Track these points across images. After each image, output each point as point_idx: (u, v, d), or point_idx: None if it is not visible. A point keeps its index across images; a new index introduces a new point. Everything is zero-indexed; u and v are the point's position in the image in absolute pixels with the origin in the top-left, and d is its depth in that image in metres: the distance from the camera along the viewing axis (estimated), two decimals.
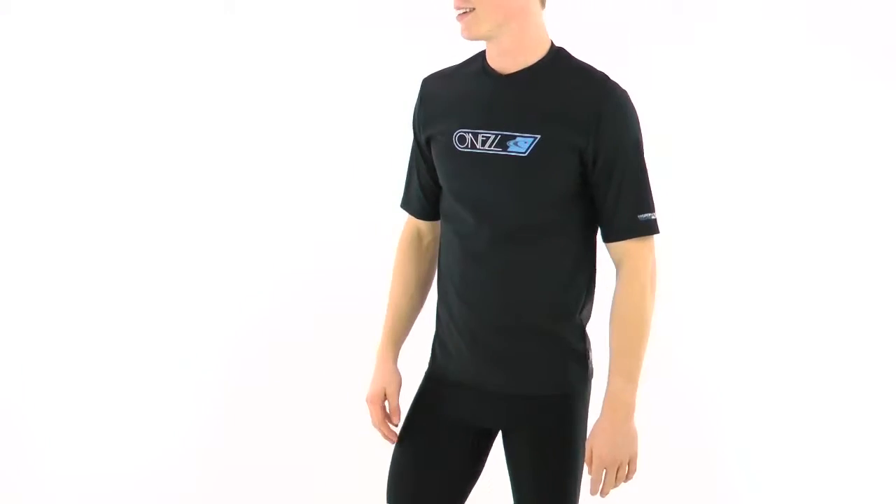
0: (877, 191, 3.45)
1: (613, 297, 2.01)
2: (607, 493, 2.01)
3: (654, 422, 3.44)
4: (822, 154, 3.45)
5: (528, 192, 1.98)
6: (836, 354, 3.46)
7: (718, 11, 3.43)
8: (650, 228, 1.99)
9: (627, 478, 2.02)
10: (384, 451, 2.21)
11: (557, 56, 2.01)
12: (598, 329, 2.10)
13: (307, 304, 3.43)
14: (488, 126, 1.97)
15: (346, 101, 3.40)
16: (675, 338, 3.46)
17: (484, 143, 1.97)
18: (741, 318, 3.47)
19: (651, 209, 1.99)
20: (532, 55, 1.98)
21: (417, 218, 2.20)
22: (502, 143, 1.96)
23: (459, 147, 1.99)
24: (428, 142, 2.09)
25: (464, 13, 1.94)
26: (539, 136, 1.94)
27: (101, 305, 3.43)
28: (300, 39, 3.39)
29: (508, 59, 1.98)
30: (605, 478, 1.99)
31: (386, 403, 2.19)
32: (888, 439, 3.45)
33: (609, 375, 2.01)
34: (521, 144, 1.95)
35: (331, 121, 3.43)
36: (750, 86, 3.43)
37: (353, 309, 3.29)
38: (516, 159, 1.95)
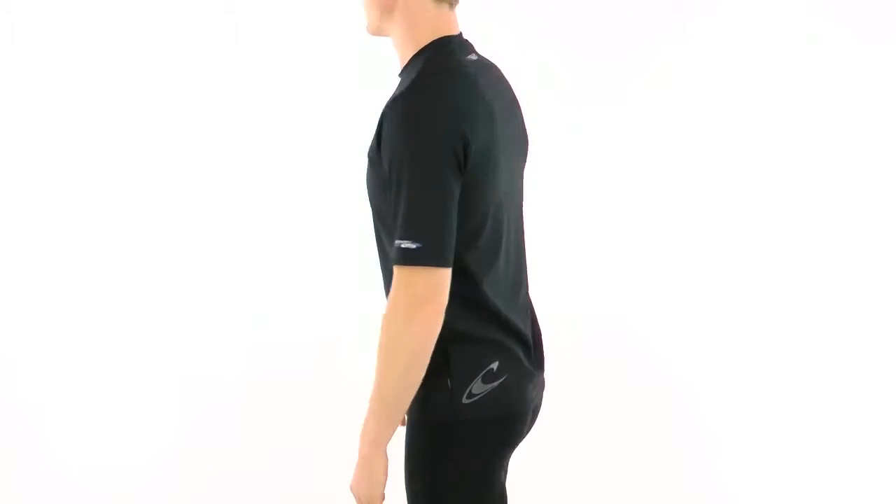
0: (875, 191, 3.45)
1: None
2: None
3: (644, 422, 3.48)
4: (820, 154, 3.45)
5: (369, 200, 1.90)
6: (825, 354, 3.46)
7: (718, 11, 3.43)
8: (401, 258, 1.72)
9: None
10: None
11: (420, 54, 1.86)
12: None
13: (307, 305, 3.44)
14: None
15: (348, 101, 3.40)
16: (668, 337, 3.48)
17: None
18: (732, 319, 3.48)
19: (407, 236, 1.70)
20: (411, 53, 1.88)
21: None
22: None
23: None
24: None
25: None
26: (373, 142, 1.85)
27: (98, 306, 3.44)
28: (300, 39, 3.39)
29: (398, 56, 1.91)
30: None
31: None
32: (878, 439, 3.46)
33: None
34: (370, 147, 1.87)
35: (333, 122, 3.43)
36: (749, 86, 3.43)
37: (355, 310, 3.30)
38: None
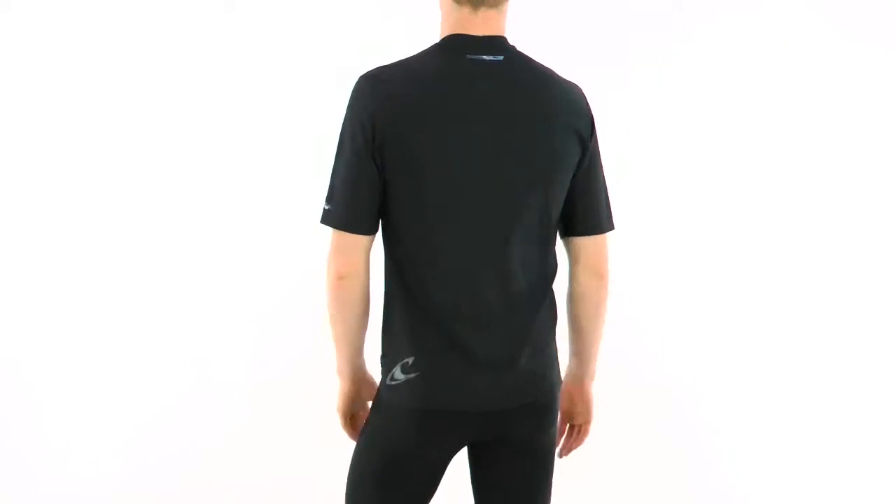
0: (876, 192, 3.46)
1: None
2: None
3: (644, 423, 3.48)
4: (820, 154, 3.45)
5: None
6: (825, 355, 3.47)
7: (718, 11, 3.43)
8: (322, 217, 1.96)
9: None
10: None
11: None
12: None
13: (309, 304, 3.44)
14: None
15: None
16: (669, 338, 3.48)
17: None
18: (733, 320, 3.48)
19: (326, 198, 1.95)
20: None
21: None
22: None
23: None
24: None
25: None
26: None
27: (98, 306, 3.43)
28: (300, 39, 3.39)
29: None
30: None
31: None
32: (879, 439, 3.46)
33: None
34: None
35: (333, 122, 3.43)
36: (749, 86, 3.44)
37: None
38: None
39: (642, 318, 3.47)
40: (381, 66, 1.94)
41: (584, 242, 2.05)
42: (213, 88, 3.40)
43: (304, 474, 3.31)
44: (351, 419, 2.16)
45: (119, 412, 3.43)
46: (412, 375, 1.94)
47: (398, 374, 1.95)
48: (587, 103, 2.01)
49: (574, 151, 1.97)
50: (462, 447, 2.03)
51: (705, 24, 3.44)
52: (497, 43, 1.94)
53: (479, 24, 1.93)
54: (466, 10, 1.93)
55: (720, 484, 3.46)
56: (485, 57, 1.91)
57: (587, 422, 2.25)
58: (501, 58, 1.92)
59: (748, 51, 3.43)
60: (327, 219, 1.93)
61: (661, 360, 3.48)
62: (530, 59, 1.99)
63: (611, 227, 2.08)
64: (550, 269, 2.03)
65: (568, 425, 2.25)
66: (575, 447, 2.26)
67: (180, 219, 3.42)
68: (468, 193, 1.90)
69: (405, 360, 1.94)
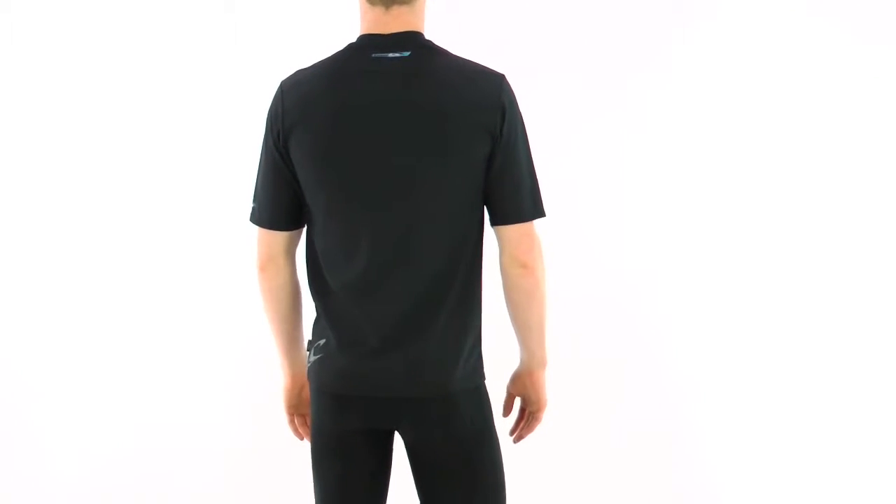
0: (876, 191, 3.45)
1: None
2: None
3: (644, 423, 3.48)
4: (821, 154, 3.44)
5: None
6: (826, 355, 3.46)
7: (718, 11, 3.43)
8: (249, 214, 2.12)
9: None
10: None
11: None
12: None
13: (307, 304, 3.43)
14: None
15: None
16: (669, 338, 3.48)
17: None
18: (733, 319, 3.48)
19: (252, 198, 2.11)
20: None
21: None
22: None
23: None
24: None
25: None
26: None
27: (99, 308, 3.43)
28: (300, 38, 3.39)
29: None
30: None
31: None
32: (880, 440, 3.46)
33: None
34: None
35: None
36: (749, 86, 3.43)
37: None
38: None
39: (640, 315, 3.47)
40: (298, 70, 2.04)
41: (505, 231, 2.01)
42: (213, 88, 3.40)
43: (300, 474, 3.31)
44: (298, 418, 2.28)
45: (115, 413, 3.43)
46: (318, 357, 2.07)
47: (314, 353, 2.09)
48: (501, 96, 1.96)
49: (477, 145, 1.94)
50: (366, 429, 2.08)
51: (705, 23, 3.44)
52: (406, 38, 1.97)
53: (390, 23, 1.97)
54: (379, 10, 1.97)
55: (719, 485, 3.47)
56: (390, 54, 1.95)
57: (539, 409, 2.22)
58: (408, 53, 1.95)
59: (748, 51, 3.43)
60: (251, 216, 2.10)
61: (659, 358, 3.48)
62: (443, 52, 2.00)
63: (536, 215, 2.03)
64: (463, 262, 2.00)
65: (523, 411, 2.25)
66: (526, 434, 2.25)
67: (180, 220, 3.42)
68: (361, 186, 1.96)
69: (318, 343, 2.07)
